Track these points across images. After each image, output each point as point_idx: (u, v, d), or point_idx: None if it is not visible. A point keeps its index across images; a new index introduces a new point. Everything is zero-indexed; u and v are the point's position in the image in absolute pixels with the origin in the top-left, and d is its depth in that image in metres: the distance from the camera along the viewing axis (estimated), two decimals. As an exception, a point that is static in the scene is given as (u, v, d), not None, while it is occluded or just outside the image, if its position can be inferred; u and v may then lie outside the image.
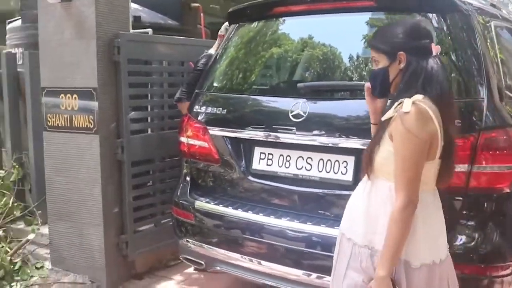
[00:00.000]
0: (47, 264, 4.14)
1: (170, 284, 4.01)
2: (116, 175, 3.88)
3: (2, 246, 3.85)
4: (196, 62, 4.10)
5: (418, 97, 1.93)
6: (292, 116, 2.71)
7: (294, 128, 2.71)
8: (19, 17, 5.91)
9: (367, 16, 2.82)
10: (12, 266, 3.84)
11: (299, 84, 2.84)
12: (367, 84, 2.18)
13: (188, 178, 3.23)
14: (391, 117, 1.97)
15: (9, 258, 3.83)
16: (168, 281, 4.05)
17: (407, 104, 1.91)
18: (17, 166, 4.56)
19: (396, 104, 1.96)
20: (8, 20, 6.02)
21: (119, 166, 3.88)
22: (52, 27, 3.85)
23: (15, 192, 4.51)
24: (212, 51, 3.96)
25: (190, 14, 5.70)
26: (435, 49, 2.01)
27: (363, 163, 2.09)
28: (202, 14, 5.66)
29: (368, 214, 2.05)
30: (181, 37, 4.56)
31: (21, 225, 4.52)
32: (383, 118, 2.02)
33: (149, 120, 4.18)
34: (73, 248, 3.98)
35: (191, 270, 4.14)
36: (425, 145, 1.92)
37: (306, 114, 2.68)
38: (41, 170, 4.46)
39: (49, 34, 3.87)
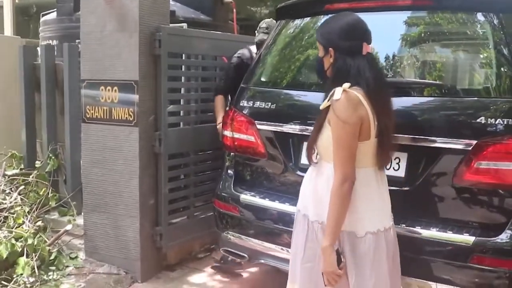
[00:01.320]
0: (81, 255, 4.18)
1: (202, 276, 4.05)
2: (152, 168, 3.91)
3: (40, 236, 3.89)
4: (230, 57, 4.14)
5: (346, 85, 2.17)
6: None
7: None
8: (53, 10, 6.00)
9: (420, 14, 2.83)
10: (48, 256, 3.88)
11: None
12: None
13: (231, 172, 3.25)
14: (329, 106, 2.21)
15: (48, 248, 3.87)
16: (199, 273, 4.09)
17: (337, 92, 2.16)
18: (52, 157, 4.60)
19: (330, 93, 2.19)
20: (42, 13, 6.10)
21: (156, 159, 3.91)
22: (94, 20, 3.89)
23: (50, 183, 4.56)
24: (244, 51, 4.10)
25: (222, 9, 5.73)
26: (366, 48, 2.25)
27: (307, 149, 2.34)
28: (234, 10, 5.69)
29: (316, 192, 2.30)
30: (219, 32, 4.59)
31: (54, 215, 4.57)
32: (321, 107, 2.25)
33: (181, 114, 4.22)
34: (107, 239, 4.03)
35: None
36: (355, 128, 2.16)
37: None
38: (77, 161, 4.52)
39: (91, 27, 3.91)
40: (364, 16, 2.37)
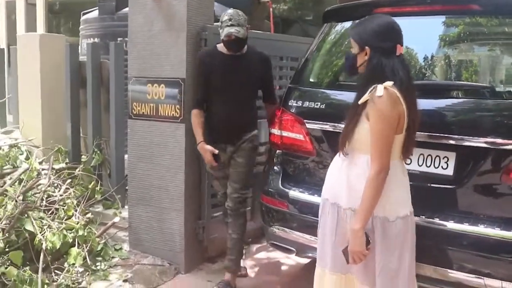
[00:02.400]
0: (125, 246, 4.31)
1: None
2: (196, 163, 4.02)
3: (89, 228, 4.04)
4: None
5: (389, 83, 2.32)
6: None
7: None
8: (93, 9, 6.18)
9: (468, 19, 2.91)
10: (96, 247, 4.03)
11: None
12: None
13: (279, 168, 3.35)
14: (366, 101, 2.35)
15: (97, 239, 4.02)
16: (240, 266, 4.20)
17: (380, 88, 2.30)
18: (97, 152, 4.75)
19: (370, 89, 2.33)
20: (83, 12, 6.28)
21: (199, 154, 4.02)
22: (142, 19, 4.01)
23: (95, 177, 4.71)
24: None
25: (259, 8, 5.83)
26: (400, 50, 2.40)
27: (341, 142, 2.48)
28: (271, 9, 5.78)
29: (349, 182, 2.46)
30: (261, 32, 4.68)
31: (99, 208, 4.72)
32: (360, 102, 2.38)
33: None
34: (152, 231, 4.16)
35: (259, 255, 4.29)
36: (395, 122, 2.33)
37: None
38: (121, 156, 4.67)
39: (139, 26, 4.03)
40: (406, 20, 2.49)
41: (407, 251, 2.47)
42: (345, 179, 2.48)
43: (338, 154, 2.57)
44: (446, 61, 2.98)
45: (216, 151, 3.56)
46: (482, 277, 2.54)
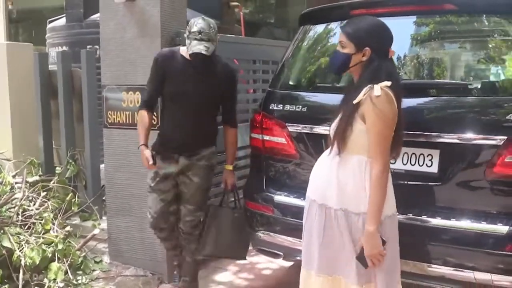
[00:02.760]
0: (105, 258, 4.23)
1: (226, 275, 4.12)
2: (175, 170, 3.97)
3: (69, 242, 3.94)
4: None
5: (387, 83, 2.33)
6: None
7: None
8: (60, 17, 6.04)
9: (440, 18, 2.96)
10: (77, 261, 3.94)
11: None
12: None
13: (262, 173, 3.32)
14: (360, 100, 2.34)
15: (77, 253, 3.93)
16: (223, 272, 4.17)
17: (377, 89, 2.31)
18: (72, 163, 4.64)
19: (365, 89, 2.32)
20: (49, 20, 6.13)
21: (179, 162, 3.97)
22: (114, 26, 3.94)
23: (71, 189, 4.60)
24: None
25: (229, 13, 5.80)
26: (391, 53, 2.45)
27: (335, 141, 2.42)
28: (241, 13, 5.76)
29: (340, 183, 2.42)
30: (229, 36, 4.65)
31: (76, 220, 4.61)
32: (355, 101, 2.36)
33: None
34: (132, 241, 4.09)
35: (241, 262, 4.27)
36: (394, 122, 2.35)
37: None
38: (96, 166, 4.58)
39: (111, 33, 3.96)
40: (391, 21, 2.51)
41: (396, 247, 2.48)
42: (335, 180, 2.45)
43: (324, 153, 2.55)
44: (423, 59, 3.03)
45: (151, 161, 3.26)
46: (472, 271, 2.57)
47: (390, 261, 2.46)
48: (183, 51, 3.35)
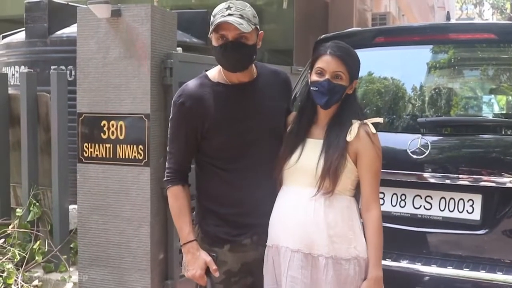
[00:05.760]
0: (77, 316, 3.61)
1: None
2: (162, 213, 3.47)
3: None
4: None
5: (380, 119, 2.26)
6: (411, 152, 2.70)
7: (412, 165, 2.68)
8: (16, 31, 5.36)
9: (483, 48, 2.83)
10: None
11: (419, 119, 2.83)
12: None
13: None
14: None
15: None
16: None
17: (371, 125, 2.18)
18: (36, 204, 3.99)
19: (357, 125, 2.15)
20: (3, 35, 5.44)
21: (165, 203, 3.44)
22: (94, 44, 3.43)
23: (34, 234, 3.93)
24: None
25: (213, 33, 5.36)
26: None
27: (327, 180, 2.14)
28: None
29: (330, 229, 2.16)
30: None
31: (37, 272, 3.91)
32: (349, 139, 2.15)
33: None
34: (110, 298, 3.50)
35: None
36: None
37: (428, 150, 2.62)
38: (65, 208, 3.96)
39: (90, 53, 3.45)
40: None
41: None
42: (323, 225, 2.16)
43: (293, 193, 2.21)
44: (466, 94, 2.98)
45: (214, 266, 2.24)
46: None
47: None
48: (215, 75, 2.26)
